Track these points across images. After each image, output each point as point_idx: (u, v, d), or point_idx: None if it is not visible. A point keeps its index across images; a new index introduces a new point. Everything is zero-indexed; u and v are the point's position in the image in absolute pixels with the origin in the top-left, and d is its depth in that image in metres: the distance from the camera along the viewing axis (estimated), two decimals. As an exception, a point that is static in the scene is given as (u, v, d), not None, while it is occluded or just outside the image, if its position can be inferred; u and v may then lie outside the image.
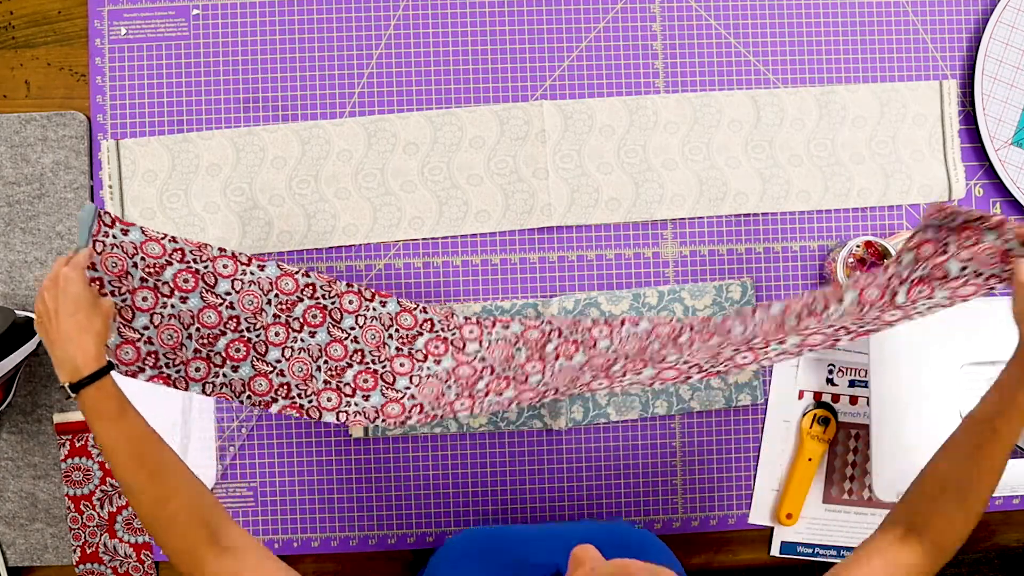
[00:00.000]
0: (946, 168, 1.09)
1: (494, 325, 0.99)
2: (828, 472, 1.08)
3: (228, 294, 0.90)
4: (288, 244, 1.05)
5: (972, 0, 1.11)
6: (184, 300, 0.88)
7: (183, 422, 1.04)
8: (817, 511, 1.08)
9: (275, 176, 1.05)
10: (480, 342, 0.98)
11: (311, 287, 0.94)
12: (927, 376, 1.00)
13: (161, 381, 0.87)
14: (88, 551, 1.05)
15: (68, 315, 0.70)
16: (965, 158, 1.10)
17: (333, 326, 0.95)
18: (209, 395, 0.90)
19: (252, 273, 0.91)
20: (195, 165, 1.05)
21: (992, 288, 0.79)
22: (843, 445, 1.08)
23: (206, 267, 0.89)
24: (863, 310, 0.80)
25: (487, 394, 0.93)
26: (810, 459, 1.06)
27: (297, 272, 0.94)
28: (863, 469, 1.08)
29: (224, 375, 0.90)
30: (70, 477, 1.04)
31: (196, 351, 0.89)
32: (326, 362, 0.94)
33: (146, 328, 0.86)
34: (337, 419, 0.93)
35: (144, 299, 0.86)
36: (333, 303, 0.95)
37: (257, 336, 0.92)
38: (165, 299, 0.87)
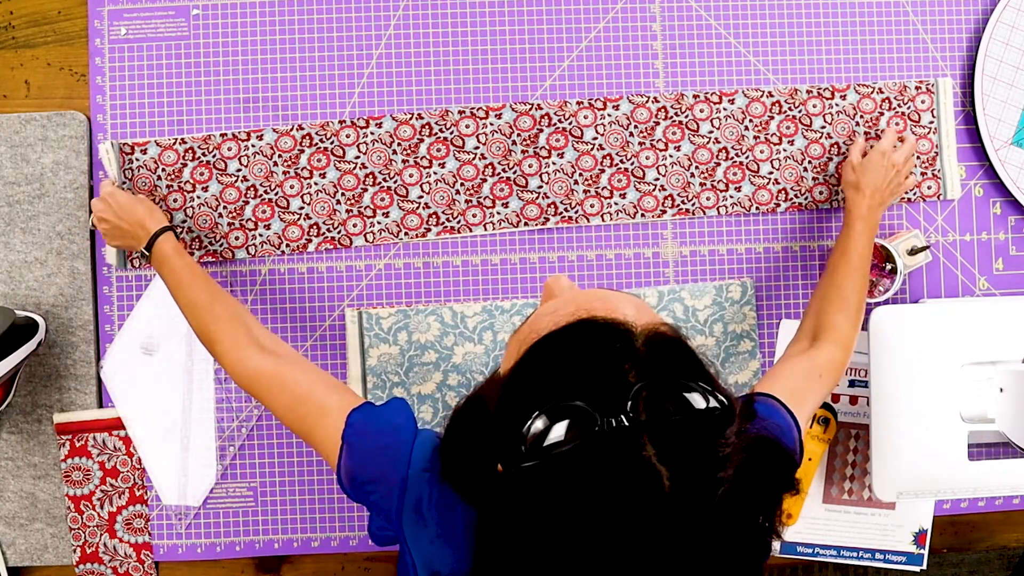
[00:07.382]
0: (942, 167, 1.09)
1: (487, 115, 1.06)
2: (828, 472, 1.08)
3: (239, 170, 1.05)
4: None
5: (972, 0, 1.11)
6: (206, 189, 1.05)
7: (183, 422, 1.04)
8: (817, 511, 1.08)
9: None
10: (476, 136, 1.06)
11: (308, 137, 1.05)
12: (927, 376, 1.00)
13: (211, 257, 1.05)
14: (88, 551, 1.05)
15: (127, 211, 0.95)
16: (965, 158, 1.11)
17: (339, 162, 1.05)
18: (254, 255, 1.05)
19: (253, 145, 1.05)
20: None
21: (836, 194, 1.10)
22: (843, 445, 1.08)
23: (214, 156, 1.05)
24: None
25: (494, 204, 1.05)
26: (810, 459, 1.06)
27: (292, 129, 1.05)
28: (863, 469, 1.08)
29: (260, 235, 1.05)
30: (70, 477, 1.04)
31: (230, 224, 1.05)
32: (343, 194, 1.05)
33: (184, 221, 1.05)
34: (366, 240, 1.05)
35: (175, 200, 1.05)
36: (332, 143, 1.05)
37: (275, 194, 1.05)
38: (190, 194, 1.05)
